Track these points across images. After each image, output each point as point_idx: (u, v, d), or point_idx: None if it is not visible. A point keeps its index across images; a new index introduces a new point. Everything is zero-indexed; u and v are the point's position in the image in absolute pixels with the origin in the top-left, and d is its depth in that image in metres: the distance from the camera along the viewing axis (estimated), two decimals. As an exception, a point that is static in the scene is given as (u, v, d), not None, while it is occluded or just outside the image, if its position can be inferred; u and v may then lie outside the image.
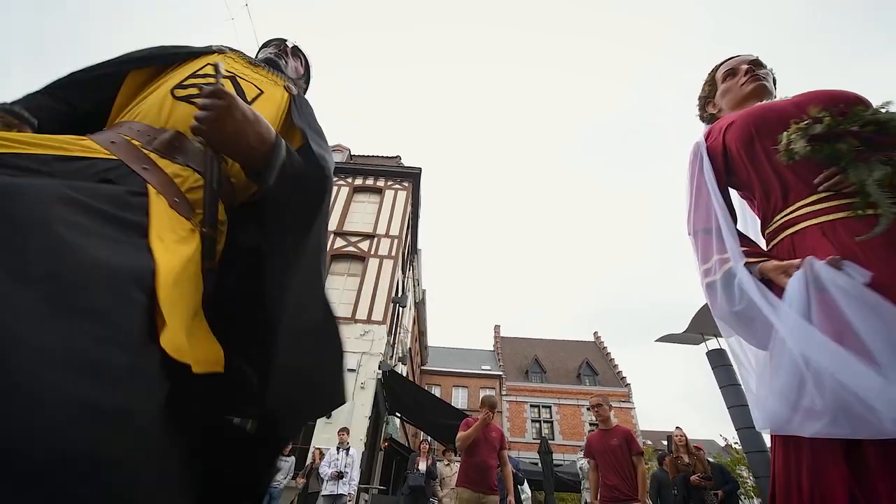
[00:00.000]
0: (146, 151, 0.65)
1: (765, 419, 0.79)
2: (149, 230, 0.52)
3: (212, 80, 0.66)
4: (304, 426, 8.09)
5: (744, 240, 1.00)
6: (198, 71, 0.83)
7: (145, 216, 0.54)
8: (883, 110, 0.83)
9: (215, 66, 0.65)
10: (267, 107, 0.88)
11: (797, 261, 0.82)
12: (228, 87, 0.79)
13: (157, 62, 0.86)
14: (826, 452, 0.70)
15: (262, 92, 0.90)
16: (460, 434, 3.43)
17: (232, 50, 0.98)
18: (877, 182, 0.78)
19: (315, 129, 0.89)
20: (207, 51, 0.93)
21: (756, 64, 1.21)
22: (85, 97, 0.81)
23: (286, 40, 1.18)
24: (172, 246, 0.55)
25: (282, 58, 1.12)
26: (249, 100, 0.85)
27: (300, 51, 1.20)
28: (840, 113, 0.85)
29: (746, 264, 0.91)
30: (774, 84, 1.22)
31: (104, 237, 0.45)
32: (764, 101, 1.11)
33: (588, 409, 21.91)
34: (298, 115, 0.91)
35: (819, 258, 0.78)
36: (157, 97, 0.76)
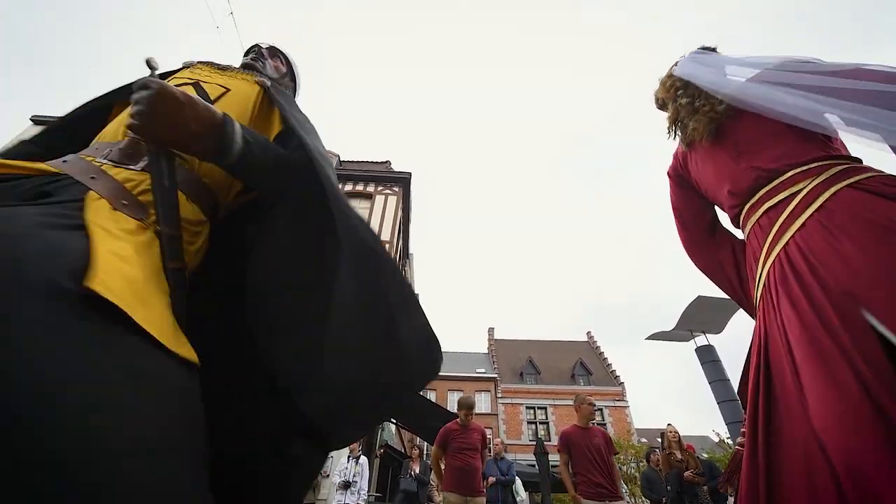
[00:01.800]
0: (98, 163, 0.64)
1: None
2: (83, 223, 0.50)
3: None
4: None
5: None
6: None
7: (79, 217, 0.51)
8: None
9: (147, 61, 0.63)
10: (234, 101, 0.86)
11: None
12: (187, 88, 0.80)
13: None
14: None
15: (227, 90, 0.88)
16: (433, 457, 3.61)
17: (202, 62, 0.98)
18: None
19: (297, 118, 0.85)
20: (176, 70, 0.94)
21: None
22: (73, 137, 0.83)
23: (260, 43, 1.16)
24: (115, 234, 0.52)
25: (258, 60, 1.10)
26: (213, 98, 0.84)
27: (278, 50, 1.18)
28: None
29: None
30: None
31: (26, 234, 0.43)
32: None
33: (583, 408, 21.92)
34: (275, 101, 0.88)
35: None
36: (121, 117, 0.77)
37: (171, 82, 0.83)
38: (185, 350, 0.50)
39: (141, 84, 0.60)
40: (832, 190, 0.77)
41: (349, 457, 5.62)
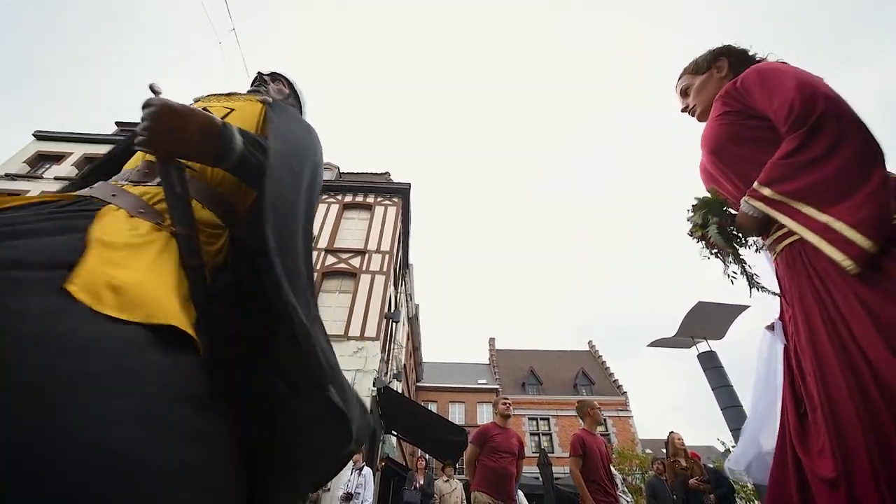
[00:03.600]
0: (119, 184, 0.74)
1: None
2: (89, 227, 0.57)
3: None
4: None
5: None
6: None
7: (89, 223, 0.59)
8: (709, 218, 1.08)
9: (150, 86, 0.69)
10: (239, 118, 0.93)
11: None
12: None
13: None
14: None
15: (232, 110, 0.95)
16: (468, 456, 3.44)
17: (210, 94, 1.08)
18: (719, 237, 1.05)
19: (283, 130, 0.89)
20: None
21: (683, 93, 1.30)
22: (108, 173, 0.92)
23: (262, 71, 1.26)
24: (123, 233, 0.60)
25: (261, 85, 1.21)
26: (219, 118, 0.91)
27: (280, 75, 1.28)
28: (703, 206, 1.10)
29: None
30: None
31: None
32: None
33: (586, 419, 21.66)
34: (272, 116, 0.93)
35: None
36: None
37: None
38: (187, 326, 0.55)
39: (145, 103, 0.67)
40: None
41: (352, 469, 5.53)
